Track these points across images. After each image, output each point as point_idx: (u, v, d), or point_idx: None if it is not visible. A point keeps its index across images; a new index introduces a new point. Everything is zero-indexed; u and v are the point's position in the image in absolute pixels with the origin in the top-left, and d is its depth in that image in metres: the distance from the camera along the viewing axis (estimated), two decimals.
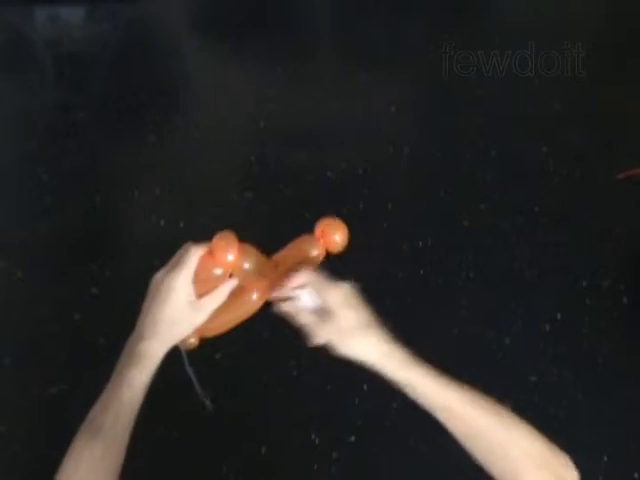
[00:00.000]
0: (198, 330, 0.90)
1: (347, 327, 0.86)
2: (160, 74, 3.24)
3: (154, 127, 2.88)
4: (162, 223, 2.44)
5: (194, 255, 0.85)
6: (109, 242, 2.49)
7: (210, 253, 0.87)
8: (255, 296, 0.92)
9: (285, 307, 0.89)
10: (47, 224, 2.49)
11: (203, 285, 0.88)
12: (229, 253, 0.86)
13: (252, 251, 0.90)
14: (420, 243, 2.32)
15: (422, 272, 2.22)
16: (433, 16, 3.52)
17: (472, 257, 2.32)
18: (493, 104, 2.93)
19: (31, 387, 1.99)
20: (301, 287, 0.88)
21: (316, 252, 0.93)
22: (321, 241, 0.93)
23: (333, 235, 0.93)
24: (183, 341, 0.90)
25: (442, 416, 0.83)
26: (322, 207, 2.39)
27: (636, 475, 1.80)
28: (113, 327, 2.09)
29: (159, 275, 0.87)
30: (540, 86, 2.99)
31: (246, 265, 0.88)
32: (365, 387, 1.96)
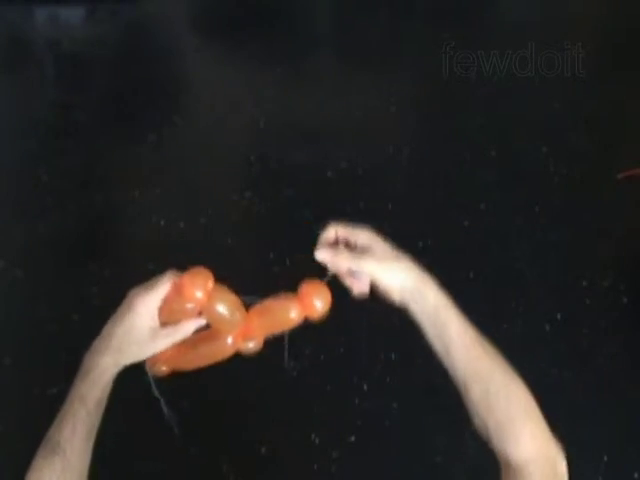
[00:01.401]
0: (168, 360, 0.89)
1: (388, 253, 0.89)
2: (160, 74, 3.24)
3: (154, 127, 2.88)
4: (162, 223, 2.44)
5: (167, 282, 0.86)
6: (109, 242, 2.49)
7: (180, 285, 0.85)
8: (229, 341, 0.90)
9: (324, 254, 0.91)
10: (47, 224, 2.49)
11: (170, 314, 0.87)
12: (198, 290, 0.84)
13: (227, 294, 0.88)
14: (420, 243, 2.32)
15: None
16: (433, 16, 3.52)
17: (472, 257, 2.32)
18: (493, 104, 2.93)
19: (31, 387, 1.99)
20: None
21: (295, 314, 0.92)
22: (301, 304, 0.92)
23: (315, 300, 0.92)
24: (152, 367, 0.89)
25: (459, 369, 0.84)
26: (322, 207, 2.40)
27: (636, 475, 1.80)
28: None
29: (131, 292, 0.89)
30: (540, 86, 2.99)
31: (219, 307, 0.86)
32: (365, 387, 1.96)
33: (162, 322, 0.86)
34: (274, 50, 3.29)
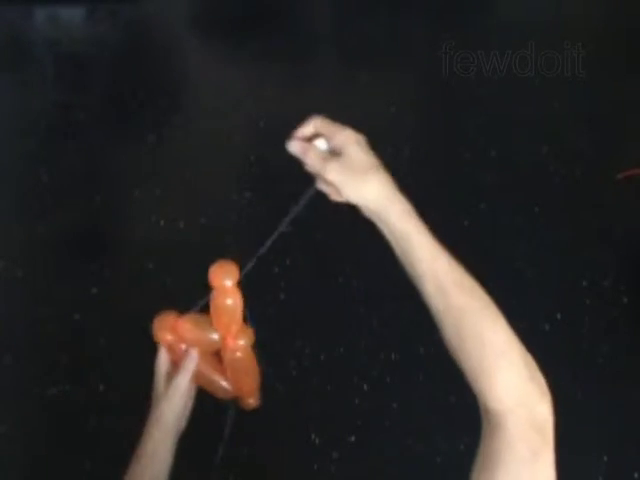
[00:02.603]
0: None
1: (358, 165, 0.82)
2: (160, 74, 3.24)
3: (154, 127, 2.88)
4: (162, 223, 2.44)
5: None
6: (109, 242, 2.49)
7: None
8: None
9: (295, 147, 0.88)
10: (47, 224, 2.49)
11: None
12: (167, 333, 0.97)
13: (192, 321, 0.99)
14: None
15: None
16: (433, 16, 3.52)
17: (472, 257, 2.32)
18: (493, 104, 2.93)
19: (31, 387, 1.99)
20: (313, 135, 0.89)
21: (214, 302, 0.96)
22: (214, 288, 0.96)
23: (223, 280, 0.95)
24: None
25: (427, 283, 0.78)
26: (322, 207, 2.40)
27: (636, 475, 1.80)
28: (113, 327, 2.11)
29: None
30: (540, 86, 2.99)
31: (190, 334, 0.98)
32: (365, 387, 1.96)
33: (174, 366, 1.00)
34: (274, 50, 3.29)
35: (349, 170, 0.82)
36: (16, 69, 3.31)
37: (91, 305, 2.19)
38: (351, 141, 0.84)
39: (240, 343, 0.95)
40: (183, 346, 0.98)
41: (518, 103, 2.94)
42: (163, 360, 1.00)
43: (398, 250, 0.80)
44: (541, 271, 2.29)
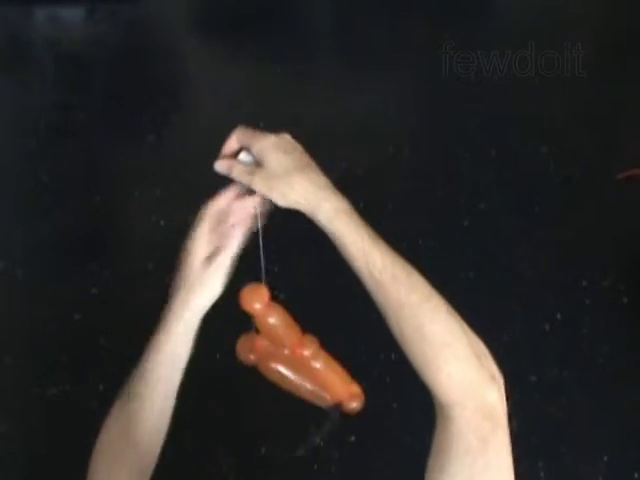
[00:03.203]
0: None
1: (278, 170, 0.80)
2: (160, 74, 3.24)
3: (154, 127, 2.88)
4: (162, 223, 2.44)
5: (204, 214, 0.86)
6: (109, 242, 2.49)
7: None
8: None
9: (220, 166, 0.86)
10: (47, 224, 2.49)
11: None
12: (250, 355, 0.92)
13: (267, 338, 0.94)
14: (420, 243, 2.32)
15: (422, 272, 2.22)
16: (433, 16, 3.52)
17: (472, 257, 2.32)
18: (493, 104, 2.93)
19: (31, 387, 1.99)
20: (238, 149, 0.86)
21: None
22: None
23: (253, 303, 0.92)
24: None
25: (364, 279, 0.78)
26: None
27: (636, 475, 1.80)
28: (113, 327, 2.10)
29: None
30: (540, 86, 2.99)
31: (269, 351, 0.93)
32: (365, 387, 1.96)
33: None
34: (274, 50, 3.29)
35: (272, 177, 0.80)
36: (16, 69, 3.31)
37: (91, 305, 2.19)
38: (269, 147, 0.82)
39: (306, 353, 0.94)
40: (273, 364, 0.93)
41: (518, 103, 2.94)
42: (204, 231, 0.84)
43: (337, 247, 0.80)
44: (541, 271, 2.28)
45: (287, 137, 0.84)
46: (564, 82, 2.99)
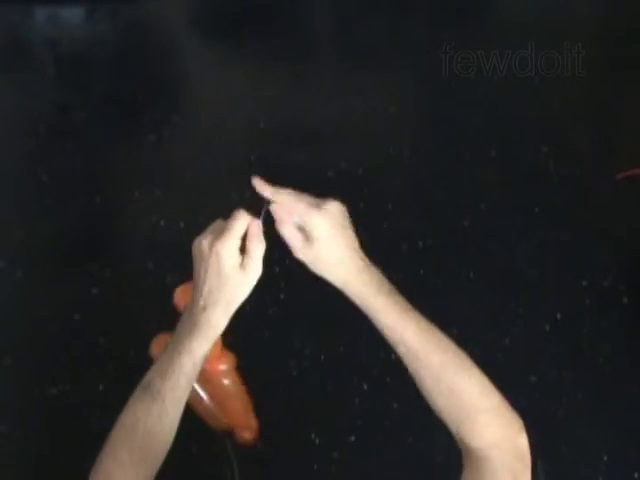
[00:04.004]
0: None
1: (326, 257, 0.87)
2: (160, 74, 3.24)
3: (154, 127, 2.88)
4: (162, 223, 2.44)
5: (241, 221, 0.87)
6: (109, 242, 2.49)
7: None
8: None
9: (277, 214, 0.90)
10: (47, 224, 2.49)
11: None
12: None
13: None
14: (420, 243, 2.32)
15: (422, 272, 2.22)
16: (433, 16, 3.52)
17: (472, 257, 2.32)
18: (493, 104, 2.93)
19: (31, 387, 1.99)
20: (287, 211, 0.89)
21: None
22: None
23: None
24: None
25: (399, 348, 0.85)
26: None
27: (636, 475, 1.80)
28: (113, 327, 2.11)
29: (204, 242, 0.86)
30: (540, 86, 2.99)
31: None
32: (365, 387, 1.96)
33: None
34: (274, 50, 3.29)
35: (317, 260, 0.88)
36: (16, 69, 3.31)
37: (91, 305, 2.19)
38: (323, 231, 0.86)
39: (222, 368, 0.94)
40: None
41: (518, 103, 2.94)
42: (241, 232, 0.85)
43: (371, 319, 0.88)
44: (541, 271, 2.29)
45: (339, 214, 0.89)
46: (564, 82, 2.99)
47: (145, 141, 2.83)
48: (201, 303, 0.85)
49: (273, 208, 0.90)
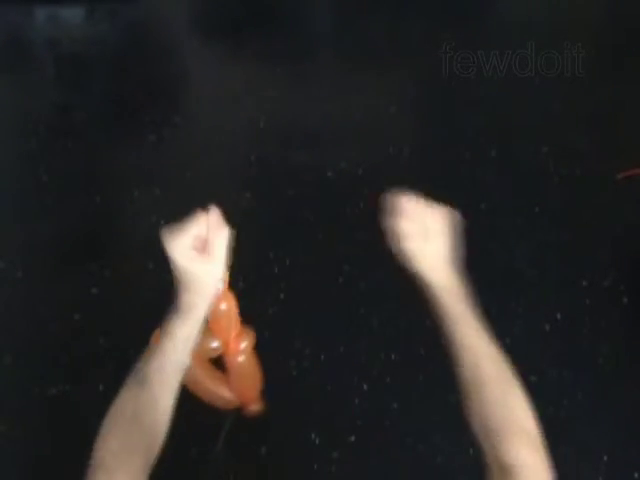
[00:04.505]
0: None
1: (435, 254, 0.95)
2: (160, 74, 3.24)
3: (154, 127, 2.88)
4: (162, 223, 2.44)
5: (195, 221, 0.94)
6: (109, 242, 2.49)
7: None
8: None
9: (395, 207, 0.97)
10: (47, 224, 2.49)
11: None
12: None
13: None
14: None
15: None
16: (433, 16, 3.52)
17: (472, 257, 2.32)
18: (493, 104, 2.93)
19: (31, 387, 1.99)
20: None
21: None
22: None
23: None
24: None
25: (465, 356, 0.88)
26: (322, 207, 2.40)
27: (636, 475, 1.80)
28: (113, 327, 2.11)
29: (165, 242, 0.94)
30: (540, 86, 2.99)
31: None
32: (365, 387, 1.96)
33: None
34: (274, 50, 3.29)
35: (426, 256, 0.94)
36: (16, 69, 3.31)
37: (91, 305, 2.19)
38: (439, 227, 0.96)
39: (242, 346, 0.96)
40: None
41: (518, 103, 2.95)
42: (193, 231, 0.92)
43: (444, 320, 0.92)
44: (541, 271, 2.29)
45: (452, 217, 0.98)
46: (564, 82, 2.99)
47: (145, 141, 2.83)
48: (181, 288, 0.91)
49: (393, 202, 0.99)
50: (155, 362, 0.85)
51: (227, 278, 0.94)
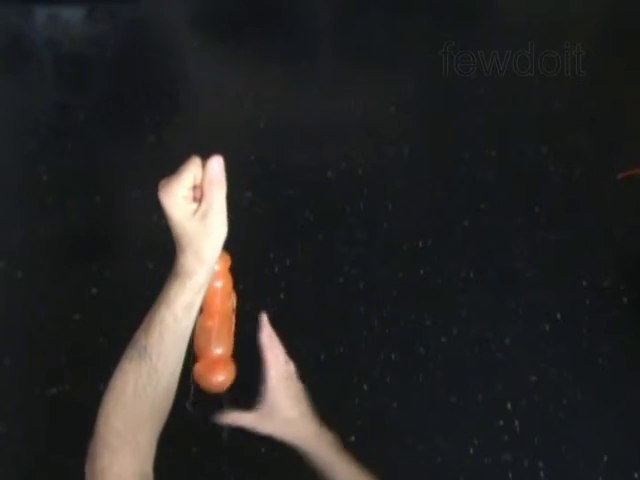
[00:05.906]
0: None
1: (287, 419, 0.96)
2: (160, 74, 3.24)
3: (154, 127, 2.88)
4: (162, 223, 2.43)
5: (190, 167, 0.86)
6: (109, 242, 2.49)
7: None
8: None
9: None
10: (47, 224, 2.48)
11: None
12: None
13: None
14: (420, 243, 2.32)
15: (422, 272, 2.22)
16: (433, 16, 3.52)
17: (472, 257, 2.32)
18: (493, 104, 2.93)
19: (31, 387, 1.99)
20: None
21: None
22: None
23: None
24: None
25: None
26: (322, 207, 2.40)
27: (636, 475, 1.80)
28: (113, 327, 2.10)
29: (159, 193, 0.85)
30: (540, 86, 2.99)
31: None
32: (365, 387, 1.96)
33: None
34: (274, 50, 3.29)
35: (278, 424, 0.98)
36: (16, 69, 3.31)
37: (91, 305, 2.19)
38: (284, 394, 0.99)
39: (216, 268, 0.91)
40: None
41: (518, 103, 2.94)
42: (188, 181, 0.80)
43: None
44: (541, 271, 2.29)
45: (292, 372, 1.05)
46: (564, 82, 2.99)
47: (145, 141, 2.83)
48: (177, 250, 0.84)
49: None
50: (155, 333, 0.79)
51: (227, 257, 0.90)
